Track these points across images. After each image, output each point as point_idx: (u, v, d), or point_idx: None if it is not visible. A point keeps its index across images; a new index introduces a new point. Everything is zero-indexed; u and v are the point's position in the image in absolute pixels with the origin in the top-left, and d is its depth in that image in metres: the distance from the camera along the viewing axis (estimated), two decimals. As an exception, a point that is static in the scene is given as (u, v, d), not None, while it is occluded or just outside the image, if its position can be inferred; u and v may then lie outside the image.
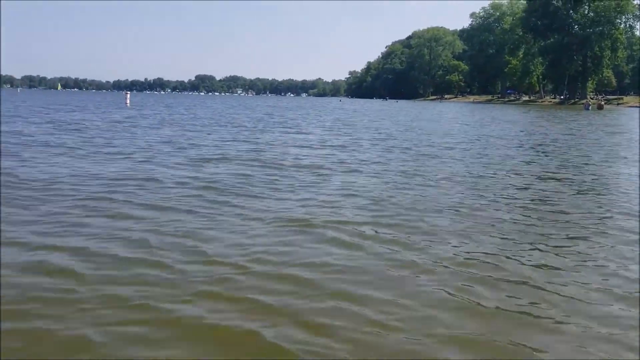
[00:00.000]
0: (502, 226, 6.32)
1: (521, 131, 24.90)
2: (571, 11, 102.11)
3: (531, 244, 5.66)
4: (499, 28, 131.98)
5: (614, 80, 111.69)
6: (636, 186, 9.49)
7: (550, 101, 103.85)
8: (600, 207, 7.63)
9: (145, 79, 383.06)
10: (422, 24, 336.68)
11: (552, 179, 10.25)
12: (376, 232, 5.92)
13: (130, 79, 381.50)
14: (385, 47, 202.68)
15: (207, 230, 5.76)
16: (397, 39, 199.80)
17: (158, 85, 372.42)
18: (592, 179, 10.38)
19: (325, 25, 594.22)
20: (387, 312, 3.87)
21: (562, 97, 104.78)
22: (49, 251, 4.92)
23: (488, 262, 5.00)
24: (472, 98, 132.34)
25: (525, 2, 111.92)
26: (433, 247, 5.45)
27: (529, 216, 6.90)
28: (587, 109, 66.88)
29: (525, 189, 9.03)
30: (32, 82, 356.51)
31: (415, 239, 5.64)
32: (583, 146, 17.55)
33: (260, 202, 7.24)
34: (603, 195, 8.74)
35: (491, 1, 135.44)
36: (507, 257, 5.14)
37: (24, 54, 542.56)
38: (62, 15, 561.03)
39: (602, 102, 77.81)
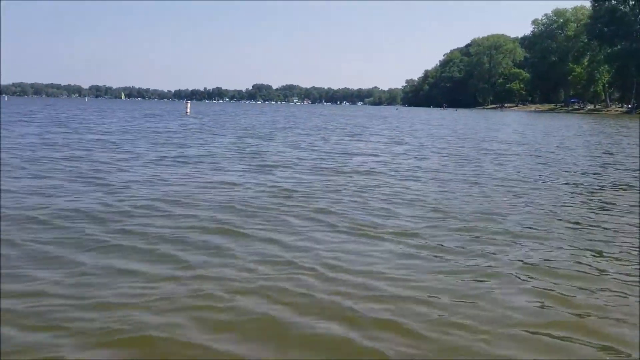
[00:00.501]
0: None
1: None
2: (639, 16, 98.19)
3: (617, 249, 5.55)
4: (562, 35, 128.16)
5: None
6: None
7: (617, 110, 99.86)
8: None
9: (205, 89, 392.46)
10: (482, 32, 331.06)
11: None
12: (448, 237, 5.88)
13: (190, 89, 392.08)
14: (444, 55, 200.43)
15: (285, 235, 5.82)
16: (455, 47, 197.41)
17: (216, 94, 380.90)
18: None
19: (382, 33, 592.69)
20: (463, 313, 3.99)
21: (629, 106, 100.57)
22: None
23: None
24: (533, 107, 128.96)
25: (590, 8, 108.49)
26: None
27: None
28: (659, 118, 64.04)
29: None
30: (98, 92, 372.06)
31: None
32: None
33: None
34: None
35: (554, 8, 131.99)
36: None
37: (91, 65, 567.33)
38: (128, 28, 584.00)
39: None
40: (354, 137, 24.86)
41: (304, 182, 10.15)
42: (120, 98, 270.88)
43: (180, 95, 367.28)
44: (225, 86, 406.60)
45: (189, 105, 58.27)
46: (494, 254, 5.58)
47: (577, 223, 7.14)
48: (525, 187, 10.15)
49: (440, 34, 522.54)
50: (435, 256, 5.44)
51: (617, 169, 13.99)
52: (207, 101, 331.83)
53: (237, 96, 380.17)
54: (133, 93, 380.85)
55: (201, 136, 22.23)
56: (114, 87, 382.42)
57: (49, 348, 3.30)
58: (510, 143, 22.31)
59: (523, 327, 3.81)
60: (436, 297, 4.32)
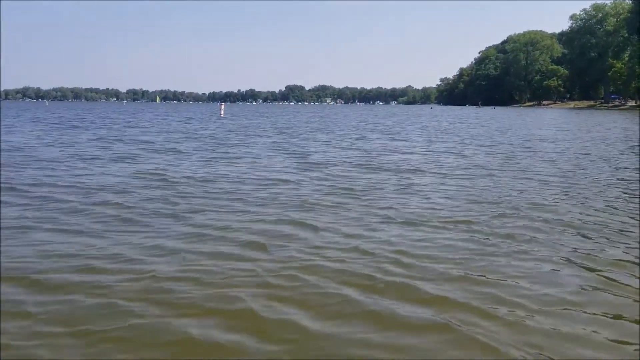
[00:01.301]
0: None
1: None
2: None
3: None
4: (601, 30, 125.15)
5: None
6: None
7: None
8: None
9: (239, 90, 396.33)
10: (518, 28, 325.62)
11: None
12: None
13: (224, 91, 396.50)
14: (479, 53, 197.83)
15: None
16: (491, 44, 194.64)
17: (250, 96, 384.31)
18: None
19: (416, 31, 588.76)
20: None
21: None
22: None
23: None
24: (572, 104, 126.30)
25: (630, 2, 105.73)
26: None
27: None
28: None
29: None
30: (135, 96, 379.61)
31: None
32: None
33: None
34: None
35: (593, 2, 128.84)
36: None
37: (128, 70, 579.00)
38: (162, 32, 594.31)
39: None
40: (392, 135, 24.95)
41: (359, 179, 10.44)
42: (156, 101, 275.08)
43: (215, 98, 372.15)
44: (258, 88, 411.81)
45: (222, 107, 58.84)
46: (541, 242, 5.91)
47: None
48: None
49: (475, 31, 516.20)
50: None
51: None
52: (240, 103, 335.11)
53: (271, 97, 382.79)
54: (169, 96, 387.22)
55: (245, 137, 22.61)
56: (150, 90, 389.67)
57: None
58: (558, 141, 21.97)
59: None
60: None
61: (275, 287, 4.40)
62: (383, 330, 3.64)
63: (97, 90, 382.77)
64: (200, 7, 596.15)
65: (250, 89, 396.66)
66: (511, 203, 8.04)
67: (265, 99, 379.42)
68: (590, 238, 6.14)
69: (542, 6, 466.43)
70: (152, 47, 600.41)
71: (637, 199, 8.71)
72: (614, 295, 4.37)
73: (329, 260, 5.10)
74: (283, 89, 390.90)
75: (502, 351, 3.35)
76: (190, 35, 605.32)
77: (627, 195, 9.05)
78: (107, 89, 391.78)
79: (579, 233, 6.34)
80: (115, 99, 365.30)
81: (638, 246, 5.79)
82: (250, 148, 17.43)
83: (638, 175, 11.71)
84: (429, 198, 8.54)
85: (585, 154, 16.62)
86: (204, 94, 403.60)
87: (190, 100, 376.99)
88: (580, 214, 7.43)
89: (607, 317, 3.96)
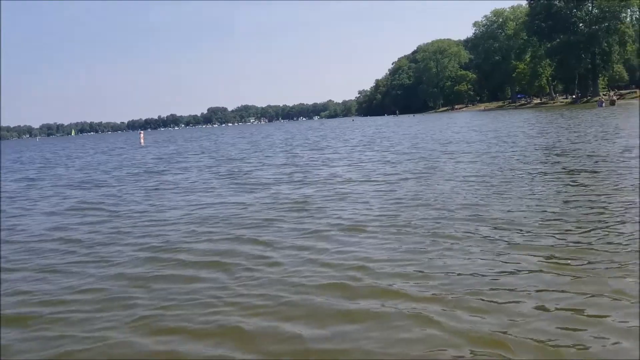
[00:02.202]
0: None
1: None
2: (574, 10, 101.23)
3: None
4: (503, 34, 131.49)
5: (625, 75, 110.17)
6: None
7: (562, 102, 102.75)
8: None
9: (159, 117, 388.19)
10: (427, 38, 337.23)
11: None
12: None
13: (144, 118, 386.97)
14: (392, 64, 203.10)
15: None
16: (402, 54, 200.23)
17: (171, 121, 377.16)
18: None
19: (332, 47, 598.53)
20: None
21: (573, 96, 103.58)
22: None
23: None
24: (482, 106, 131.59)
25: (527, 6, 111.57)
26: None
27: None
28: (601, 106, 66.01)
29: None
30: (50, 130, 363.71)
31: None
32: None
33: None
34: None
35: (493, 9, 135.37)
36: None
37: (41, 105, 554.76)
38: (76, 61, 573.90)
39: (615, 98, 76.81)
40: (321, 150, 24.95)
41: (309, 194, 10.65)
42: (71, 134, 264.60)
43: (134, 126, 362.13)
44: (179, 112, 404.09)
45: (142, 135, 57.39)
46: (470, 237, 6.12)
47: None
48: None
49: (387, 43, 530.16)
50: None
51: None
52: (162, 129, 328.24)
53: (193, 121, 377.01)
54: (85, 128, 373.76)
55: (176, 164, 21.80)
56: (65, 123, 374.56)
57: None
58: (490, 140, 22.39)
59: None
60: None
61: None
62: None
63: (7, 129, 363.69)
64: (115, 33, 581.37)
65: (171, 114, 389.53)
66: (441, 204, 8.50)
67: (187, 123, 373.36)
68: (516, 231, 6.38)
69: (448, 15, 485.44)
70: (65, 78, 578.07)
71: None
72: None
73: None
74: (205, 111, 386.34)
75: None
76: (105, 64, 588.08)
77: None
78: (19, 125, 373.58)
79: (503, 227, 6.64)
80: (28, 135, 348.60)
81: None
82: (186, 174, 16.83)
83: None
84: (369, 204, 9.01)
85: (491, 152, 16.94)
86: (123, 122, 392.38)
87: (108, 131, 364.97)
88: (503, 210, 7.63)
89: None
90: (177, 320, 4.28)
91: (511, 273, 4.97)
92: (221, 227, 7.78)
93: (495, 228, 6.62)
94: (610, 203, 7.70)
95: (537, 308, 4.10)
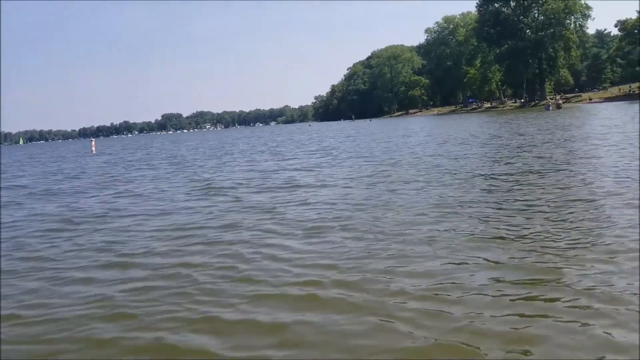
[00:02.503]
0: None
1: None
2: (521, 17, 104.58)
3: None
4: (453, 40, 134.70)
5: (571, 79, 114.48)
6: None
7: (512, 106, 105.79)
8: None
9: (112, 124, 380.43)
10: (381, 44, 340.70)
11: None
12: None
13: (95, 125, 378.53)
14: (347, 69, 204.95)
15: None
16: (357, 60, 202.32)
17: (124, 128, 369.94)
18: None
19: (289, 52, 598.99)
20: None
21: (522, 100, 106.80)
22: None
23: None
24: (436, 110, 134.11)
25: (476, 13, 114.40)
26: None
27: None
28: (548, 109, 68.22)
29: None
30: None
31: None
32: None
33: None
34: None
35: (443, 15, 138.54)
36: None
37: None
38: (24, 67, 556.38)
39: (560, 102, 79.72)
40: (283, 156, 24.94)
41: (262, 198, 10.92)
42: (19, 143, 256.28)
43: (86, 134, 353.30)
44: (133, 119, 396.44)
45: (94, 143, 56.35)
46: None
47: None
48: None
49: (343, 48, 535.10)
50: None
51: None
52: (115, 136, 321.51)
53: (147, 128, 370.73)
54: (34, 136, 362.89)
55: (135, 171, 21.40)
56: (13, 132, 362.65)
57: None
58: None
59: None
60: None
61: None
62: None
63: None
64: (65, 39, 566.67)
65: (125, 121, 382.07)
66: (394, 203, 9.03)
67: (141, 130, 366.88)
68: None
69: (402, 22, 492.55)
70: (11, 86, 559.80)
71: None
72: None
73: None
74: (159, 118, 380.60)
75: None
76: (55, 70, 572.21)
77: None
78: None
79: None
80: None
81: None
82: (148, 182, 16.50)
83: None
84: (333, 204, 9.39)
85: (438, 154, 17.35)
86: (74, 130, 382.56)
87: (59, 139, 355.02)
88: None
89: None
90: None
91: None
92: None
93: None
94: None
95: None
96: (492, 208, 8.10)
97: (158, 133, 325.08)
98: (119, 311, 4.75)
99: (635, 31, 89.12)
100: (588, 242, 5.81)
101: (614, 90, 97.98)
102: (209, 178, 15.93)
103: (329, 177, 14.02)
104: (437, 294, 4.62)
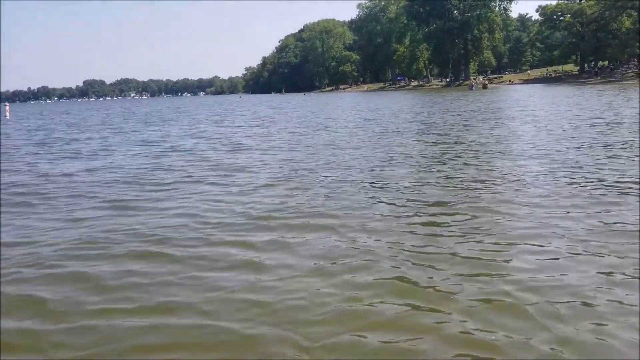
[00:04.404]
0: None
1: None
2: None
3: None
4: (384, 17, 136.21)
5: (493, 61, 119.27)
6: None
7: (438, 84, 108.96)
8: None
9: (29, 89, 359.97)
10: (314, 17, 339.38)
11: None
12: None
13: (11, 90, 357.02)
14: (279, 42, 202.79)
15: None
16: (290, 33, 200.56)
17: (43, 94, 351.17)
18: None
19: (219, 21, 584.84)
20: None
21: (447, 79, 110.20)
22: None
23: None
24: (365, 87, 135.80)
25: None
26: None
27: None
28: (472, 89, 71.00)
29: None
30: None
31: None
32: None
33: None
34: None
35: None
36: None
37: None
38: None
39: (486, 82, 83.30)
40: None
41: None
42: None
43: (0, 98, 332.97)
44: (52, 84, 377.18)
45: (7, 108, 53.92)
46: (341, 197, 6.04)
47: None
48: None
49: (275, 20, 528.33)
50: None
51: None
52: (32, 102, 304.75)
53: (67, 94, 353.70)
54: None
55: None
56: None
57: None
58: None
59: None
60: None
61: None
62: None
63: None
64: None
65: (43, 86, 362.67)
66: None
67: (61, 97, 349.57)
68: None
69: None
70: None
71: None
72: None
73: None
74: (81, 84, 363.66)
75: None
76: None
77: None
78: None
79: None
80: None
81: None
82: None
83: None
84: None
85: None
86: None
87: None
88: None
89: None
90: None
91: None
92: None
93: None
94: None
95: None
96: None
97: (79, 100, 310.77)
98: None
99: (554, 17, 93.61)
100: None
101: (533, 73, 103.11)
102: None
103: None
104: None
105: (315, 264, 4.63)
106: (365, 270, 4.43)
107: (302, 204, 6.81)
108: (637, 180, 7.45)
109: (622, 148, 10.67)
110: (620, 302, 3.68)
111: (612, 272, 4.21)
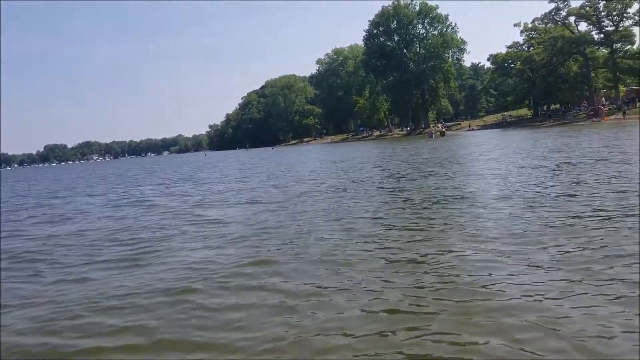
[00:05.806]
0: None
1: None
2: (405, 50, 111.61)
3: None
4: (343, 71, 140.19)
5: (450, 108, 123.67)
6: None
7: (399, 134, 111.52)
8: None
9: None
10: (275, 74, 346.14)
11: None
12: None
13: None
14: (242, 98, 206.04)
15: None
16: (252, 90, 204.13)
17: (3, 161, 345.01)
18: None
19: (182, 82, 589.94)
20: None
21: (408, 128, 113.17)
22: None
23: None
24: (329, 138, 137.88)
25: (363, 45, 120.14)
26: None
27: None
28: (431, 137, 72.96)
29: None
30: None
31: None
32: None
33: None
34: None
35: (333, 47, 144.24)
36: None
37: None
38: None
39: (444, 130, 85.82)
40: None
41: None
42: None
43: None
44: (11, 151, 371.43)
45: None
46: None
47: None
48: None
49: (237, 77, 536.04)
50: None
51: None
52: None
53: (28, 160, 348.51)
54: None
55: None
56: None
57: None
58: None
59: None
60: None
61: None
62: None
63: None
64: None
65: (3, 153, 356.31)
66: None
67: (21, 163, 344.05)
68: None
69: (295, 52, 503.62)
70: None
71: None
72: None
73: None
74: (42, 149, 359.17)
75: None
76: None
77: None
78: None
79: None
80: None
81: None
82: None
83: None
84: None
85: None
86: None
87: None
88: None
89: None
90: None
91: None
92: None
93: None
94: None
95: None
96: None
97: (40, 165, 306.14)
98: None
99: (505, 64, 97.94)
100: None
101: (488, 119, 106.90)
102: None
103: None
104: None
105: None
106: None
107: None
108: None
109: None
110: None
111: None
